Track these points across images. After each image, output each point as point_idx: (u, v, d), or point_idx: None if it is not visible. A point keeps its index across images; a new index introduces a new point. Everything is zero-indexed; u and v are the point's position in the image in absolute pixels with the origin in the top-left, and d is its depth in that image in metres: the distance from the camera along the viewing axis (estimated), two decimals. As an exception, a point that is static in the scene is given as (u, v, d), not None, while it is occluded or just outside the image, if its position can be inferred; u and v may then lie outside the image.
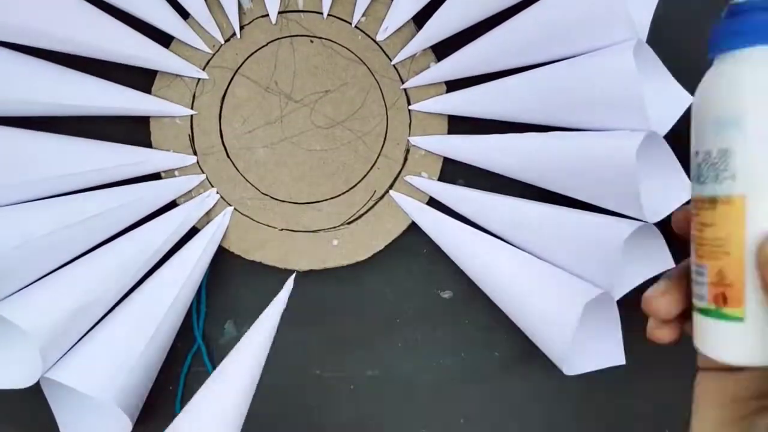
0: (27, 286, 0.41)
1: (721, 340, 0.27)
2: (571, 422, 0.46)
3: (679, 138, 0.43)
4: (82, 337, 0.41)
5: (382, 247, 0.45)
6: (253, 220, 0.45)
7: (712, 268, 0.26)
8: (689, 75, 0.44)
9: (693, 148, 0.28)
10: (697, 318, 0.28)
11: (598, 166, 0.40)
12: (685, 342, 0.46)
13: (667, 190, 0.42)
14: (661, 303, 0.30)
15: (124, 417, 0.40)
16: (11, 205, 0.41)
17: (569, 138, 0.42)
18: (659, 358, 0.47)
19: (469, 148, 0.45)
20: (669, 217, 0.42)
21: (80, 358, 0.40)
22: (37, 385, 0.40)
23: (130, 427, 0.40)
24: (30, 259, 0.40)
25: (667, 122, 0.43)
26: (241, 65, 0.45)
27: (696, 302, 0.28)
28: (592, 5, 0.40)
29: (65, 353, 0.41)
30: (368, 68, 0.46)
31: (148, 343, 0.41)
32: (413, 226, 0.46)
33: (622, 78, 0.38)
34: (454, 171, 0.46)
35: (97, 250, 0.42)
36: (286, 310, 0.43)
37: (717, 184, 0.26)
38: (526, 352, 0.44)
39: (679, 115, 0.43)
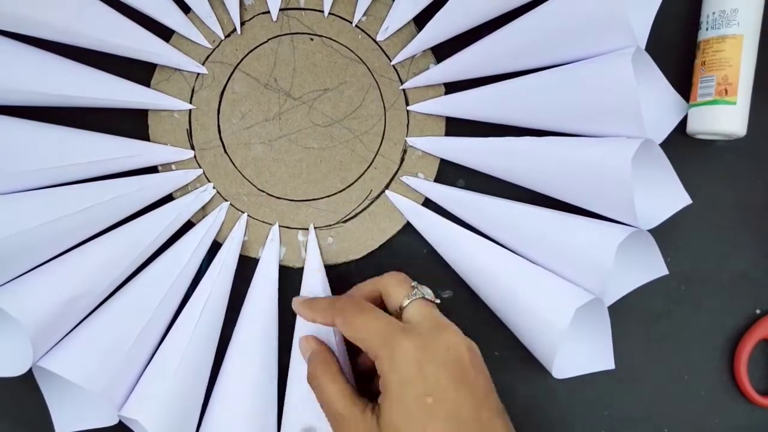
0: (21, 275, 0.41)
1: (721, 119, 0.43)
2: (571, 422, 0.47)
3: (676, 145, 0.44)
4: (75, 327, 0.41)
5: (377, 246, 0.46)
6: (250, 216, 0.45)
7: (719, 75, 0.43)
8: (687, 82, 0.44)
9: (706, 11, 0.44)
10: (700, 110, 0.44)
11: (593, 172, 0.40)
12: (683, 345, 0.47)
13: (661, 198, 0.43)
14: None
15: (111, 406, 0.40)
16: (7, 194, 0.41)
17: (565, 144, 0.42)
18: (659, 360, 0.47)
19: (466, 150, 0.45)
20: (663, 224, 0.42)
21: (71, 347, 0.41)
22: (32, 375, 0.40)
23: (116, 419, 0.41)
24: (25, 249, 0.40)
25: (664, 129, 0.43)
26: (240, 61, 0.45)
27: (701, 99, 0.44)
28: (592, 12, 0.40)
29: (57, 343, 0.41)
30: (368, 68, 0.46)
31: (138, 335, 0.41)
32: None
33: (620, 85, 0.39)
34: (451, 172, 0.46)
35: (92, 241, 0.42)
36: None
37: (728, 28, 0.43)
38: (526, 352, 0.44)
39: (677, 123, 0.43)
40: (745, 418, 0.47)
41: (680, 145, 0.45)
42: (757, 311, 0.47)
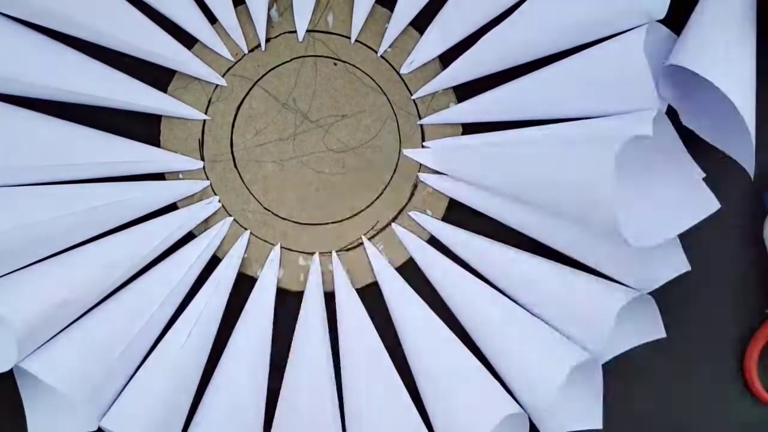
0: (13, 272, 0.40)
1: None
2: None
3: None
4: (63, 330, 0.41)
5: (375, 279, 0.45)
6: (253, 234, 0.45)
7: None
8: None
9: None
10: None
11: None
12: (691, 345, 0.46)
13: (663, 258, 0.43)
14: None
15: (91, 415, 0.39)
16: (10, 186, 0.40)
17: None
18: (667, 360, 0.46)
19: (475, 193, 0.45)
20: (664, 287, 0.42)
21: (56, 351, 0.40)
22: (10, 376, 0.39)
23: (95, 426, 0.40)
24: (21, 245, 0.39)
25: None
26: (261, 77, 0.45)
27: None
28: (616, 68, 0.40)
29: (41, 345, 0.40)
30: (388, 99, 0.45)
31: (128, 345, 0.40)
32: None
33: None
34: (460, 213, 0.46)
35: (90, 244, 0.41)
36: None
37: None
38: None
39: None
40: (756, 417, 0.46)
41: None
42: (767, 310, 0.46)
